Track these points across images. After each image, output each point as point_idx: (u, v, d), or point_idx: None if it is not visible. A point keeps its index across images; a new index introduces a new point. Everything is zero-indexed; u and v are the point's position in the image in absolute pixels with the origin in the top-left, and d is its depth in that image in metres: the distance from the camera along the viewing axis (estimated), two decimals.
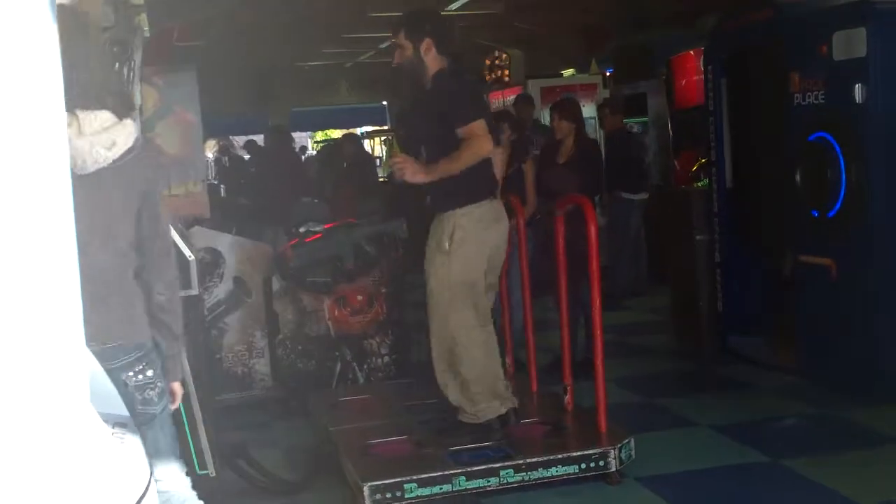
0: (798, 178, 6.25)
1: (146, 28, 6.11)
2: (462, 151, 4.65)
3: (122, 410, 1.62)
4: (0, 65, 0.87)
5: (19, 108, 0.88)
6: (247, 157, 17.30)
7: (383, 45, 15.96)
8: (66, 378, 0.90)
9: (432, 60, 4.88)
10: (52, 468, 0.88)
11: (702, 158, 8.72)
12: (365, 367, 6.60)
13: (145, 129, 6.35)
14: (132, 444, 1.51)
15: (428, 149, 4.96)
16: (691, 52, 10.73)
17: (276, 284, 6.58)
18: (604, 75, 13.41)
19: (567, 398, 5.33)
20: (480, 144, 4.67)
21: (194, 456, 4.68)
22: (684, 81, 11.11)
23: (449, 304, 4.80)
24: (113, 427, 1.52)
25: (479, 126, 4.67)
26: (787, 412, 5.94)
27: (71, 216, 0.97)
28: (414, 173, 4.77)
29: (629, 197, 9.42)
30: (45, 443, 0.89)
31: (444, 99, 4.82)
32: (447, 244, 4.76)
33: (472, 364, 4.84)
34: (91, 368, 1.32)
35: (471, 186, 4.77)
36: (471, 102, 4.84)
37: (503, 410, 4.91)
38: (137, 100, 5.55)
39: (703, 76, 7.65)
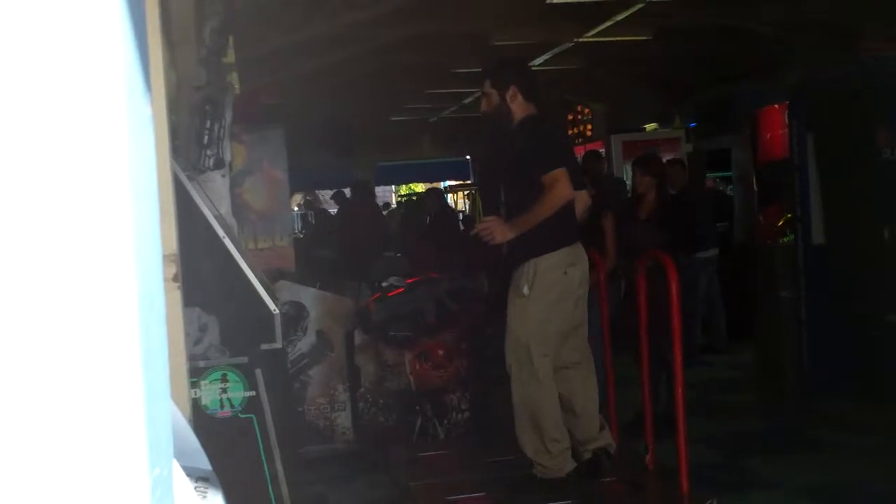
0: (887, 234, 6.13)
1: (237, 86, 6.30)
2: (544, 200, 4.65)
3: (205, 464, 1.65)
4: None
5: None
6: (332, 210, 17.56)
7: (466, 101, 16.13)
8: (156, 430, 0.93)
9: (518, 107, 4.92)
10: None
11: (787, 214, 8.60)
12: (445, 422, 6.60)
13: (234, 184, 6.51)
14: (214, 499, 1.55)
15: (509, 193, 4.99)
16: (776, 106, 10.63)
17: (358, 338, 6.64)
18: (687, 130, 13.34)
19: (648, 457, 5.25)
20: (560, 191, 4.65)
21: None
22: (769, 135, 11.00)
23: (527, 352, 4.79)
24: (196, 482, 1.56)
25: (561, 173, 4.65)
26: (874, 476, 5.77)
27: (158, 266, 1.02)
28: (503, 234, 4.74)
29: (697, 256, 9.29)
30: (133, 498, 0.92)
31: (529, 144, 4.86)
32: (526, 289, 4.76)
33: (547, 414, 4.80)
34: (175, 421, 1.36)
35: (547, 233, 4.75)
36: (555, 149, 4.85)
37: (574, 465, 4.85)
38: (227, 156, 5.71)
39: (787, 130, 7.58)
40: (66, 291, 0.89)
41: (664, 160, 10.74)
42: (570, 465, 4.83)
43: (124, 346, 0.91)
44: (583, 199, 5.20)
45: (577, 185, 5.04)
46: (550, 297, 4.78)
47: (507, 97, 4.91)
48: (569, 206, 4.90)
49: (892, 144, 6.06)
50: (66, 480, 0.87)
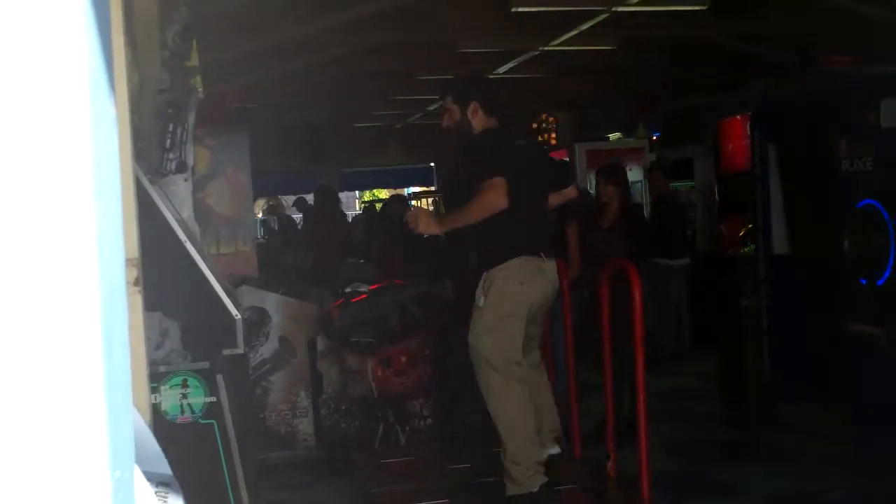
0: (846, 245, 6.21)
1: (200, 90, 6.26)
2: (472, 202, 4.66)
3: (166, 469, 1.64)
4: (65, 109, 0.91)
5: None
6: (296, 215, 17.48)
7: (431, 108, 16.15)
8: (118, 434, 0.92)
9: (479, 122, 4.96)
10: None
11: (749, 224, 8.68)
12: (407, 428, 6.60)
13: (197, 188, 6.47)
14: (174, 503, 1.53)
15: (455, 198, 5.05)
16: (738, 117, 10.73)
17: (321, 344, 6.62)
18: (650, 139, 13.44)
19: (610, 465, 5.28)
20: (491, 197, 4.60)
21: None
22: (731, 146, 11.08)
23: (486, 363, 4.75)
24: (156, 486, 1.54)
25: (497, 182, 4.60)
26: (833, 485, 5.83)
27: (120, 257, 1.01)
28: (427, 224, 4.84)
29: (668, 263, 9.38)
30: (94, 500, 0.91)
31: (475, 153, 4.92)
32: (482, 300, 4.76)
33: (508, 424, 4.76)
34: (135, 425, 1.35)
35: (509, 243, 4.77)
36: (497, 158, 4.78)
37: (545, 479, 4.82)
38: (190, 160, 5.67)
39: (749, 141, 7.65)
40: (28, 293, 0.88)
41: (649, 164, 10.88)
42: (542, 480, 4.80)
43: (86, 348, 0.89)
44: (570, 194, 5.35)
45: (558, 185, 5.26)
46: (505, 309, 4.76)
47: (469, 112, 4.96)
48: (533, 217, 4.91)
49: (851, 157, 6.14)
50: (26, 482, 0.86)
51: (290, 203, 18.66)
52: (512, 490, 4.75)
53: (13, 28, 0.89)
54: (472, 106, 4.94)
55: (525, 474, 4.72)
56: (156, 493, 1.52)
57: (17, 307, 0.87)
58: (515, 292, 4.78)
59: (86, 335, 0.90)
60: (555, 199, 5.32)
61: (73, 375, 0.88)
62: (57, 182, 0.91)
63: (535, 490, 4.72)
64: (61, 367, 0.88)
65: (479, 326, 4.76)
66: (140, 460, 1.27)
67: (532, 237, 4.92)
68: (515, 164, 4.80)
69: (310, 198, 15.39)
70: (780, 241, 7.15)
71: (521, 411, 4.77)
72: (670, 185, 10.24)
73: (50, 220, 0.90)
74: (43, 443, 0.86)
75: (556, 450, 5.10)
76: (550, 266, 4.97)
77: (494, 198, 4.61)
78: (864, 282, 6.06)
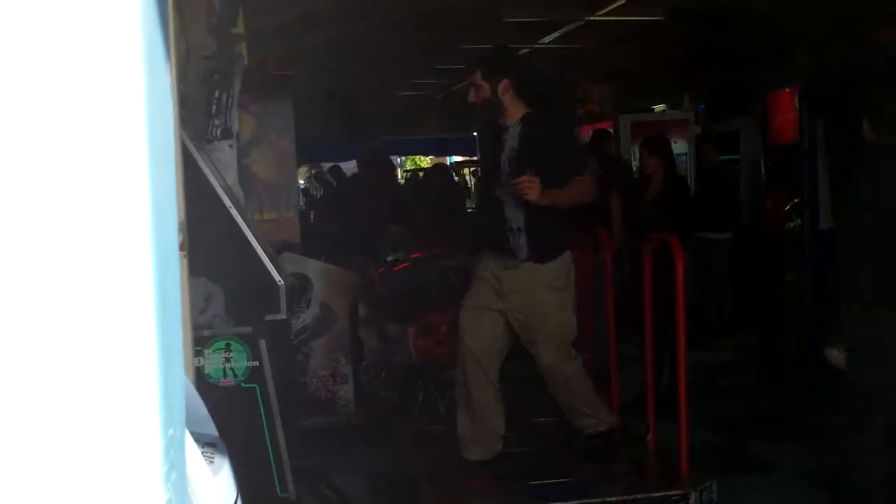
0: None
1: (245, 57, 6.28)
2: (575, 189, 4.68)
3: (212, 430, 1.67)
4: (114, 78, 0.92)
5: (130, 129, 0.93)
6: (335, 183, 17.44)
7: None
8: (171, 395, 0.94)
9: (510, 101, 4.81)
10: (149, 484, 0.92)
11: (795, 198, 8.58)
12: (447, 396, 6.62)
13: (241, 154, 6.51)
14: (221, 464, 1.56)
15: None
16: (787, 90, 10.59)
17: (361, 311, 6.66)
18: (696, 112, 13.29)
19: (650, 437, 5.27)
20: (591, 190, 4.80)
21: (276, 478, 4.74)
22: (779, 119, 10.96)
23: (566, 343, 4.88)
24: (203, 447, 1.57)
25: (591, 176, 4.87)
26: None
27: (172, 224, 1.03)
28: (537, 196, 4.54)
29: (712, 237, 9.29)
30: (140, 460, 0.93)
31: (563, 146, 4.86)
32: (563, 282, 4.83)
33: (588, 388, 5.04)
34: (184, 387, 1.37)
35: (571, 230, 4.95)
36: (586, 152, 4.99)
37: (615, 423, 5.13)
38: (235, 126, 5.71)
39: (797, 114, 7.56)
40: (86, 257, 0.90)
41: (698, 136, 10.80)
42: (612, 422, 5.16)
43: (140, 309, 0.91)
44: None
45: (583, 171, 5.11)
46: (572, 293, 4.92)
47: (499, 90, 4.78)
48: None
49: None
50: (84, 440, 0.88)
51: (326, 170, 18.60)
52: (593, 427, 5.08)
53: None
54: (504, 84, 4.78)
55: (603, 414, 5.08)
56: (202, 453, 1.55)
57: (76, 270, 0.89)
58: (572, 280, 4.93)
59: (140, 297, 0.92)
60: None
61: (127, 336, 0.90)
62: (112, 147, 0.92)
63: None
64: (116, 328, 0.90)
65: (563, 307, 4.85)
66: (188, 421, 1.30)
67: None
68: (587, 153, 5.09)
69: (346, 166, 15.34)
70: (825, 217, 7.07)
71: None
72: (719, 157, 10.15)
73: (105, 185, 0.91)
74: (99, 400, 0.88)
75: None
76: None
77: (594, 191, 4.83)
78: None
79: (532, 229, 4.74)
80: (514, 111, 4.83)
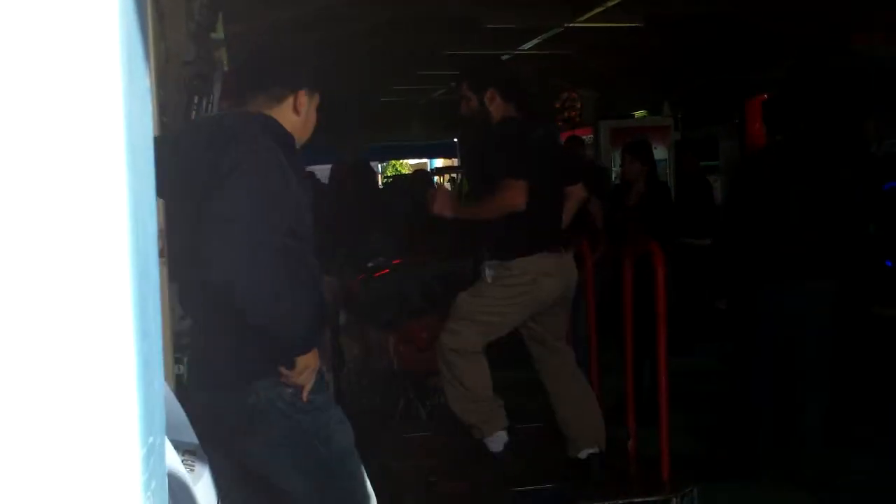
0: (872, 228, 6.16)
1: (225, 62, 6.27)
2: (488, 202, 4.64)
3: (192, 438, 1.65)
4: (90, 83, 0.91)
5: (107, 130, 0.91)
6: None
7: (455, 84, 16.06)
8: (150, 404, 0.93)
9: (497, 109, 4.83)
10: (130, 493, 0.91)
11: None
12: (428, 403, 6.62)
13: None
14: (201, 471, 1.55)
15: (474, 189, 4.99)
16: (766, 96, 10.64)
17: (342, 318, 6.64)
18: (676, 117, 13.35)
19: (630, 444, 5.28)
20: (508, 199, 4.56)
21: None
22: (757, 125, 11.01)
23: (462, 317, 4.83)
24: (182, 454, 1.56)
25: (515, 184, 4.56)
26: (861, 467, 5.81)
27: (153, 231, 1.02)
28: (441, 206, 4.70)
29: (693, 243, 9.31)
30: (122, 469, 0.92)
31: (493, 146, 4.80)
32: (488, 277, 4.76)
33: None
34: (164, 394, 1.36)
35: (523, 238, 4.71)
36: (515, 154, 4.70)
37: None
38: None
39: None
40: (63, 264, 0.89)
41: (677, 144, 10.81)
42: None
43: (119, 315, 0.90)
44: (577, 194, 5.20)
45: (571, 180, 5.06)
46: (508, 294, 4.77)
47: (486, 99, 4.82)
48: (549, 212, 4.85)
49: (880, 138, 6.09)
50: (62, 448, 0.87)
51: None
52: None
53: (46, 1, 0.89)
54: (490, 93, 4.81)
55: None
56: (182, 460, 1.53)
57: (53, 276, 0.88)
58: (529, 289, 4.76)
59: (119, 304, 0.91)
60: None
61: (107, 343, 0.89)
62: (91, 152, 0.91)
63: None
64: (96, 335, 0.89)
65: (474, 296, 4.81)
66: (168, 429, 1.28)
67: (547, 232, 4.86)
68: (532, 158, 4.74)
69: (320, 170, 15.19)
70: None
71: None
72: (699, 163, 10.18)
73: (83, 190, 0.90)
74: (78, 408, 0.87)
75: None
76: (568, 259, 4.94)
77: (511, 199, 4.56)
78: (889, 264, 6.02)
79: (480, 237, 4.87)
80: (499, 117, 4.86)
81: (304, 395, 2.98)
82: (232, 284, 2.67)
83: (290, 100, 3.24)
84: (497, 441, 4.86)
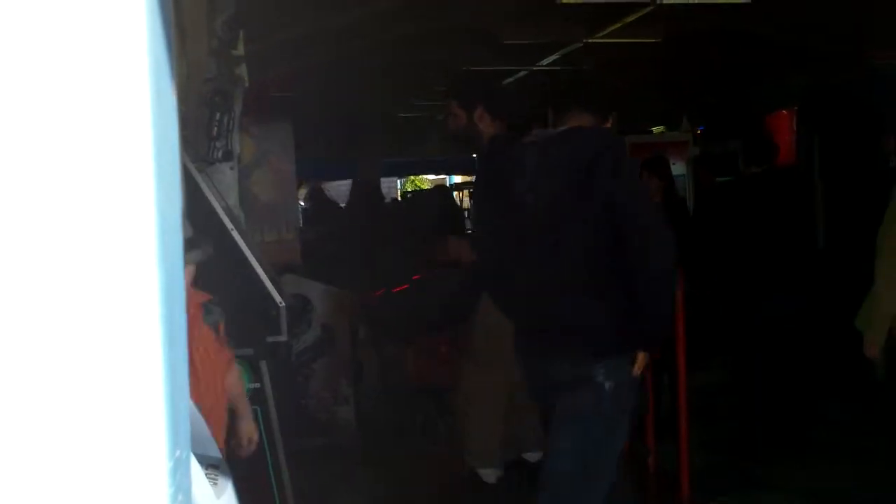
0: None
1: (246, 78, 6.30)
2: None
3: (215, 452, 1.67)
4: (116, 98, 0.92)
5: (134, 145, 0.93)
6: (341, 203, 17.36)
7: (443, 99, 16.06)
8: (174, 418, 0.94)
9: (487, 127, 4.71)
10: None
11: None
12: (447, 418, 6.62)
13: (242, 177, 6.52)
14: (224, 486, 1.56)
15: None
16: (785, 111, 10.62)
17: (361, 333, 6.65)
18: (695, 133, 13.31)
19: (650, 459, 5.26)
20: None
21: (277, 500, 4.73)
22: (777, 140, 10.97)
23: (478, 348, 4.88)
24: (206, 468, 1.57)
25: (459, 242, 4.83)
26: (874, 479, 5.77)
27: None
28: (456, 252, 4.86)
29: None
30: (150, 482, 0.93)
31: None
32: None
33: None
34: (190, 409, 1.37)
35: None
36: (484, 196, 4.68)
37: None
38: (237, 148, 5.72)
39: (795, 135, 7.58)
40: (91, 277, 0.90)
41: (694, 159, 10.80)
42: None
43: (147, 330, 0.91)
44: None
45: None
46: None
47: (475, 117, 4.71)
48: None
49: None
50: (91, 461, 0.88)
51: (332, 189, 18.56)
52: None
53: (76, 14, 0.91)
54: (479, 110, 4.69)
55: None
56: (206, 474, 1.55)
57: (82, 290, 0.89)
58: None
59: (147, 318, 0.92)
60: None
61: (135, 357, 0.90)
62: (120, 166, 0.93)
63: None
64: (124, 349, 0.90)
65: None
66: (192, 443, 1.30)
67: None
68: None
69: (334, 186, 15.16)
70: (820, 236, 7.07)
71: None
72: (716, 179, 10.16)
73: (112, 205, 0.92)
74: (106, 422, 0.88)
75: None
76: None
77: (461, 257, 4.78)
78: None
79: None
80: (488, 135, 4.77)
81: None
82: (668, 273, 3.31)
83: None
84: None
